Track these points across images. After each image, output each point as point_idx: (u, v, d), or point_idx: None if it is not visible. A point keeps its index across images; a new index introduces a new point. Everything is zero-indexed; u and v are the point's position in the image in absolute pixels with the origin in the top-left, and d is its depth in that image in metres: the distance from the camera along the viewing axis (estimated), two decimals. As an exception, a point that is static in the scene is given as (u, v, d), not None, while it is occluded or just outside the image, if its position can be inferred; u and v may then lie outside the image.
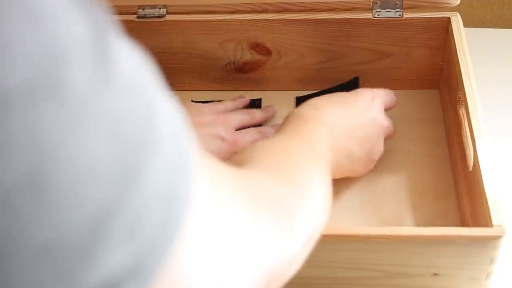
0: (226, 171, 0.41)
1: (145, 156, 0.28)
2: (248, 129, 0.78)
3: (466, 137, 0.70)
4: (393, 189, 0.75)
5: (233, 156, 0.57)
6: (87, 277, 0.26)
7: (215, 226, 0.36)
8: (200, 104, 0.79)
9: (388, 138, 0.74)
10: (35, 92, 0.24)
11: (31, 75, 0.24)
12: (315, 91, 0.84)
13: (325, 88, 0.84)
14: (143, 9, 0.80)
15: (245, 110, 0.81)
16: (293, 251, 0.47)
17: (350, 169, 0.70)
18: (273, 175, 0.50)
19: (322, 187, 0.55)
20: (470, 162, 0.68)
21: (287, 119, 0.66)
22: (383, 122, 0.72)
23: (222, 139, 0.75)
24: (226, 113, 0.79)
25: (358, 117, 0.69)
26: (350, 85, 0.83)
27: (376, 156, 0.72)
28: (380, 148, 0.72)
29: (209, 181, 0.35)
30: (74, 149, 0.25)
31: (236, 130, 0.77)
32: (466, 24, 0.78)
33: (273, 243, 0.43)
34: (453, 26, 0.77)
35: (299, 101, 0.84)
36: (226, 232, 0.37)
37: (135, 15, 0.80)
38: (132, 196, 0.27)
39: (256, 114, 0.81)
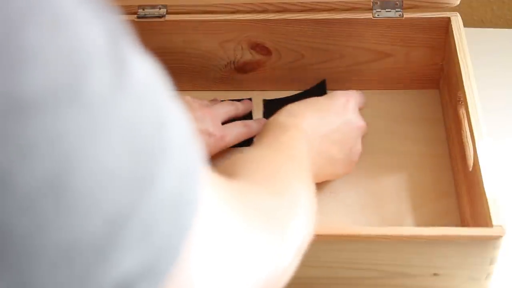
0: (221, 181, 0.41)
1: (157, 162, 0.29)
2: (234, 123, 0.79)
3: (466, 137, 0.70)
4: (393, 189, 0.76)
5: (221, 165, 0.57)
6: (103, 278, 0.27)
7: (218, 233, 0.36)
8: (190, 98, 0.79)
9: (363, 137, 0.75)
10: (57, 98, 0.25)
11: (54, 82, 0.25)
12: (284, 96, 0.84)
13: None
14: (143, 9, 0.80)
15: (229, 102, 0.82)
16: (286, 261, 0.47)
17: (332, 173, 0.72)
18: (264, 188, 0.51)
19: (309, 197, 0.56)
20: (470, 162, 0.68)
21: (266, 127, 0.68)
22: (358, 122, 0.73)
23: (209, 135, 0.75)
24: (213, 106, 0.79)
25: (335, 120, 0.70)
26: (318, 88, 0.83)
27: (356, 157, 0.73)
28: (358, 148, 0.73)
29: (211, 189, 0.36)
30: (93, 154, 0.26)
31: (223, 123, 0.78)
32: (466, 24, 0.78)
33: (269, 253, 0.43)
34: (453, 26, 0.77)
35: (267, 104, 0.84)
36: (227, 239, 0.38)
37: (135, 15, 0.80)
38: (145, 200, 0.28)
39: (239, 106, 0.82)
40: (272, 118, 0.69)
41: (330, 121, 0.70)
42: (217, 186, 0.38)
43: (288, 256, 0.48)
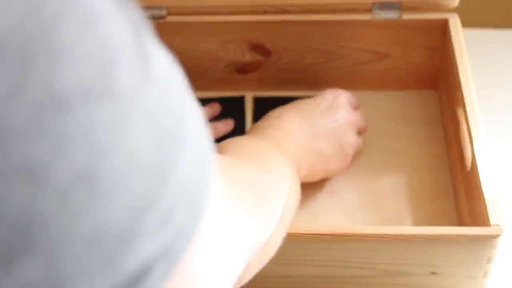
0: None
1: (178, 150, 0.30)
2: None
3: (464, 137, 0.70)
4: (391, 188, 0.76)
5: None
6: (127, 263, 0.28)
7: (218, 213, 0.38)
8: None
9: (361, 132, 0.77)
10: (89, 93, 0.26)
11: (86, 77, 0.26)
12: (274, 96, 0.85)
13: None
14: (144, 10, 0.81)
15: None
16: (269, 234, 0.49)
17: (326, 169, 0.73)
18: (250, 162, 0.53)
19: (292, 179, 0.58)
20: (468, 162, 0.68)
21: (251, 130, 0.71)
22: (349, 117, 0.74)
23: None
24: None
25: (321, 118, 0.72)
26: None
27: (349, 150, 0.74)
28: (351, 141, 0.74)
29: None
30: (123, 146, 0.27)
31: None
32: (465, 25, 0.79)
33: (256, 228, 0.45)
34: (451, 27, 0.78)
35: (257, 101, 0.85)
36: (224, 218, 0.39)
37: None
38: (167, 187, 0.29)
39: (208, 111, 0.83)
40: (258, 122, 0.71)
41: (316, 120, 0.72)
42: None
43: (271, 230, 0.49)
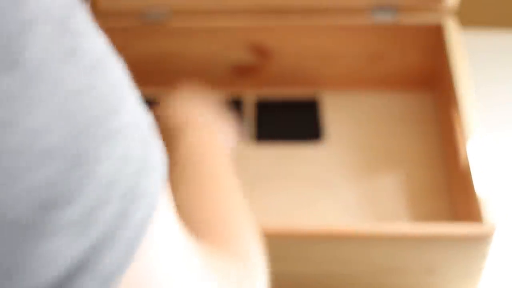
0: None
1: (103, 143, 0.26)
2: None
3: (459, 137, 0.71)
4: (387, 187, 0.77)
5: None
6: (32, 269, 0.24)
7: (177, 242, 0.33)
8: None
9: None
10: None
11: None
12: (279, 99, 0.86)
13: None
14: (146, 13, 0.81)
15: None
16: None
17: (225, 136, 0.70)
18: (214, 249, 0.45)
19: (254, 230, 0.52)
20: (463, 161, 0.69)
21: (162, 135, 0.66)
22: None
23: None
24: None
25: (194, 104, 0.70)
26: (308, 104, 0.85)
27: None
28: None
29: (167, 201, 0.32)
30: (25, 121, 0.23)
31: None
32: (464, 25, 0.79)
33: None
34: (448, 28, 0.78)
35: (260, 106, 0.85)
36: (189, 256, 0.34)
37: (138, 18, 0.81)
38: (85, 182, 0.25)
39: None
40: (162, 128, 0.67)
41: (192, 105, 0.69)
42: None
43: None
